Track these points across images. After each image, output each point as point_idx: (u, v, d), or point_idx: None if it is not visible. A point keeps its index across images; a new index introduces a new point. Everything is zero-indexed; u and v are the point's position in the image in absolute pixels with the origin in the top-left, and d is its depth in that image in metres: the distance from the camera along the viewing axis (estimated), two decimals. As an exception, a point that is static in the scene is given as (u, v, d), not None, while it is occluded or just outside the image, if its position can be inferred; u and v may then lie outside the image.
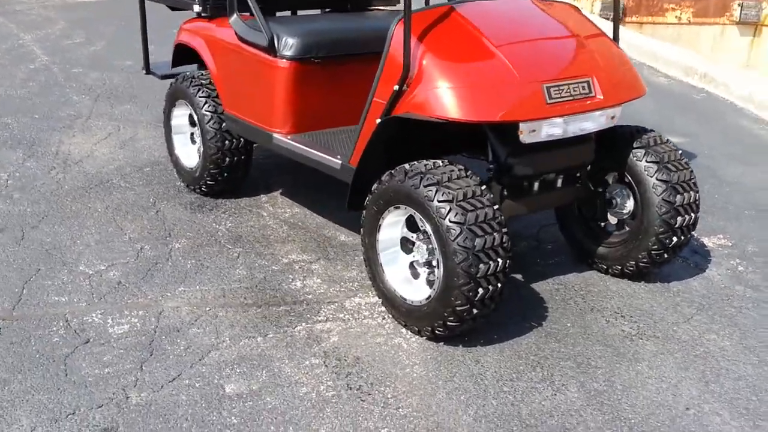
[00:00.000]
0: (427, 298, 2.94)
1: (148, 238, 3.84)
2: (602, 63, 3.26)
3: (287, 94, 3.66)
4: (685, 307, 3.35)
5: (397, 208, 3.01)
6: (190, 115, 4.33)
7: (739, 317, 3.29)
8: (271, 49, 3.65)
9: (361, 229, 3.21)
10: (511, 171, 3.12)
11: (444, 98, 2.92)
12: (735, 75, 7.14)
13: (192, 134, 4.39)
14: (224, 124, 4.06)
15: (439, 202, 2.81)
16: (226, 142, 4.08)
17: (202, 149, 4.17)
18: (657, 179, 3.31)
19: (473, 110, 2.91)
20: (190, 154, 4.39)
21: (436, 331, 2.95)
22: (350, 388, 2.75)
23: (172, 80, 4.40)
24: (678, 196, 3.30)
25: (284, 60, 3.62)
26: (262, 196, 4.39)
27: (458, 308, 2.82)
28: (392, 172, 3.03)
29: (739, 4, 9.77)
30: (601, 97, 3.15)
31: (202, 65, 4.27)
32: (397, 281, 3.12)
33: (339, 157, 3.44)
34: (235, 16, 3.88)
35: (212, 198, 4.30)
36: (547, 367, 2.89)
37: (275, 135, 3.73)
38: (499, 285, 2.84)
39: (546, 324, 3.18)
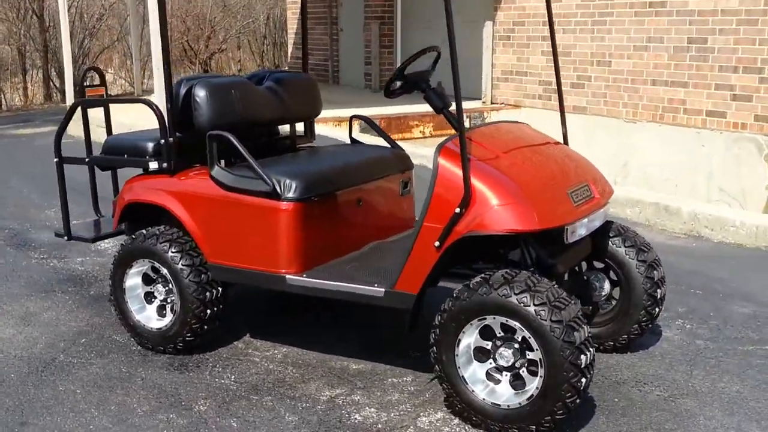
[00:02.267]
0: (529, 398, 3.17)
1: (163, 407, 3.62)
2: (586, 168, 3.79)
3: (295, 234, 3.75)
4: (679, 365, 3.89)
5: (482, 319, 3.23)
6: (145, 275, 4.16)
7: (724, 364, 3.89)
8: (273, 194, 3.72)
9: (433, 348, 3.35)
10: (553, 269, 3.49)
11: (507, 213, 3.25)
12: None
13: (147, 294, 4.20)
14: (203, 276, 3.97)
15: (536, 306, 3.10)
16: (207, 293, 4.00)
17: (178, 305, 4.02)
18: (638, 260, 3.87)
19: (535, 220, 3.26)
20: (150, 316, 4.20)
21: (542, 427, 3.17)
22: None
23: (124, 242, 4.20)
24: (655, 272, 3.89)
25: (288, 202, 3.71)
26: (235, 342, 4.29)
27: (568, 400, 3.10)
28: (470, 285, 3.25)
29: (468, 116, 11.08)
30: (599, 197, 3.67)
31: (156, 221, 4.17)
32: (480, 390, 3.30)
33: (376, 285, 3.57)
34: (216, 168, 3.89)
35: (187, 354, 4.13)
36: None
37: (288, 276, 3.76)
38: (593, 372, 3.16)
39: (596, 401, 3.52)
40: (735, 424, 3.35)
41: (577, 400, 3.14)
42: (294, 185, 3.74)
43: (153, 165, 4.12)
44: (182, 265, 3.98)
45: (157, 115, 4.04)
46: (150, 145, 4.18)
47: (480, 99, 11.32)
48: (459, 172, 3.34)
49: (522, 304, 3.12)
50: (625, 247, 3.90)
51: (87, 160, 4.45)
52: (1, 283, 5.29)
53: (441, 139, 3.56)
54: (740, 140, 8.77)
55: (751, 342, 4.16)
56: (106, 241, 5.91)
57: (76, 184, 6.10)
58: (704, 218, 5.94)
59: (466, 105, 10.96)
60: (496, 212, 3.27)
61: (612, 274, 3.99)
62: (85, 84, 4.74)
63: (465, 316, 3.27)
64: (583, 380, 3.11)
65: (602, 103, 10.09)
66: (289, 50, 15.32)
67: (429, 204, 3.40)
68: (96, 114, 5.42)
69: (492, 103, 11.30)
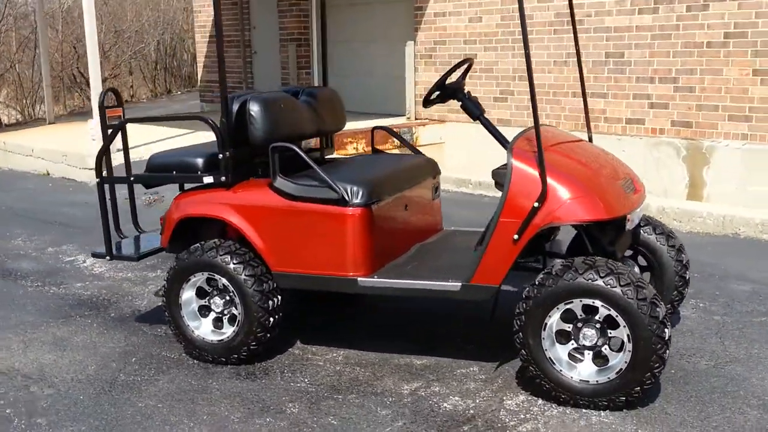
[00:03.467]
0: (618, 372, 3.50)
1: (254, 412, 3.74)
2: (622, 163, 4.19)
3: (362, 237, 3.96)
4: (710, 338, 4.34)
5: (568, 303, 3.54)
6: (199, 288, 4.25)
7: (748, 334, 4.37)
8: (341, 201, 3.92)
9: (519, 334, 3.64)
10: (613, 255, 3.85)
11: (580, 205, 3.59)
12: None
13: (201, 307, 4.28)
14: (265, 285, 4.10)
15: (622, 287, 3.44)
16: (270, 302, 4.13)
17: (242, 315, 4.13)
18: (668, 246, 4.30)
19: (603, 210, 3.62)
20: (207, 329, 4.27)
21: (632, 397, 3.51)
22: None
23: (178, 257, 4.26)
24: (683, 255, 4.33)
25: (355, 208, 3.92)
26: (290, 349, 4.42)
27: (656, 370, 3.45)
28: (552, 272, 3.55)
29: (397, 130, 11.50)
30: (640, 189, 4.07)
31: (198, 237, 4.30)
32: (566, 369, 3.61)
33: (450, 280, 3.83)
34: (280, 179, 4.05)
35: (248, 364, 4.23)
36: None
37: (359, 278, 3.96)
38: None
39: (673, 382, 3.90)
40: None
41: (663, 369, 3.49)
42: (360, 192, 3.95)
43: (208, 179, 4.22)
44: (246, 275, 4.09)
45: (214, 130, 4.16)
46: (200, 161, 4.28)
47: (405, 115, 11.71)
48: (531, 170, 3.66)
49: (609, 286, 3.46)
50: (656, 234, 4.32)
51: (131, 178, 4.49)
52: (8, 312, 5.17)
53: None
54: (659, 144, 9.51)
55: (761, 314, 4.67)
56: (99, 265, 5.90)
57: (68, 218, 6.06)
58: (672, 212, 6.50)
59: (391, 121, 11.36)
60: (570, 205, 3.60)
61: (640, 260, 4.39)
62: (105, 105, 4.76)
63: (552, 301, 3.57)
64: (667, 351, 3.47)
65: (526, 116, 10.66)
66: (200, 74, 15.24)
67: (505, 200, 3.69)
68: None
69: (416, 118, 11.70)
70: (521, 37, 10.57)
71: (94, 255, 4.73)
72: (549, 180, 3.63)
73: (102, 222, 4.57)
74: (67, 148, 10.29)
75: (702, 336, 4.38)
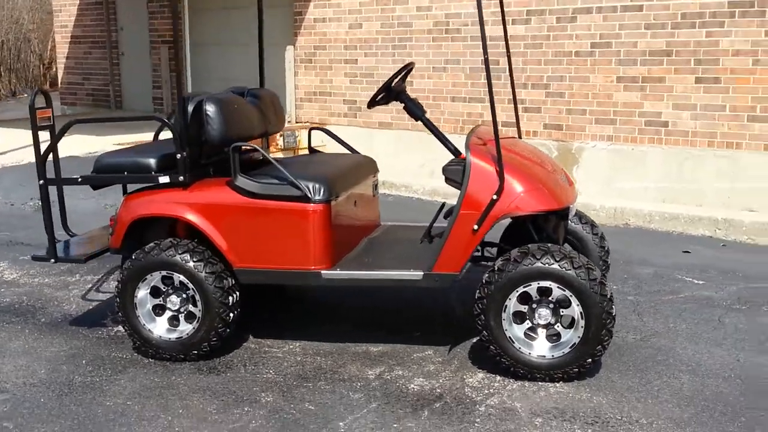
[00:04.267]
0: (572, 347, 3.86)
1: (230, 403, 3.82)
2: (551, 159, 4.58)
3: (324, 232, 4.14)
4: (629, 315, 4.80)
5: (527, 286, 3.87)
6: (154, 287, 4.28)
7: (661, 311, 4.85)
8: (304, 198, 4.08)
9: (480, 317, 3.93)
10: (556, 242, 4.22)
11: (534, 197, 3.93)
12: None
13: (155, 306, 4.31)
14: (224, 282, 4.19)
15: (575, 269, 3.80)
16: (230, 297, 4.22)
17: (201, 312, 4.19)
18: (592, 234, 4.73)
19: (554, 201, 3.98)
20: (163, 327, 4.30)
21: (584, 368, 3.88)
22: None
23: (132, 256, 4.26)
24: (605, 242, 4.77)
25: (317, 204, 4.10)
26: (244, 344, 4.51)
27: (605, 342, 3.84)
28: (510, 259, 3.87)
29: (281, 135, 11.63)
30: (572, 183, 4.47)
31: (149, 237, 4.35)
32: (524, 347, 3.94)
33: (412, 269, 4.08)
34: (240, 177, 4.16)
35: (206, 360, 4.30)
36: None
37: (323, 271, 4.13)
38: None
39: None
40: (704, 349, 4.28)
41: (610, 342, 3.88)
42: (322, 188, 4.12)
43: (164, 179, 4.25)
44: (206, 272, 4.16)
45: (171, 130, 4.20)
46: (152, 161, 4.30)
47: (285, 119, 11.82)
48: (488, 166, 3.96)
49: (564, 269, 3.81)
50: (582, 224, 4.73)
51: (80, 179, 4.43)
52: (-73, 322, 4.96)
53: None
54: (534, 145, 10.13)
55: (667, 293, 5.20)
56: (8, 272, 5.75)
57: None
58: (568, 206, 7.03)
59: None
60: (526, 197, 3.93)
61: (567, 247, 4.78)
62: (35, 107, 4.66)
63: (512, 285, 3.88)
64: (614, 325, 3.86)
65: (407, 119, 11.04)
66: (60, 75, 14.69)
67: (465, 194, 3.97)
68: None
69: (297, 122, 11.85)
70: (401, 44, 10.99)
71: (36, 258, 4.61)
72: (505, 175, 3.94)
73: (45, 225, 4.48)
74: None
75: (622, 314, 4.82)
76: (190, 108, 4.27)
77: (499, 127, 3.98)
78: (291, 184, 4.10)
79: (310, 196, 4.09)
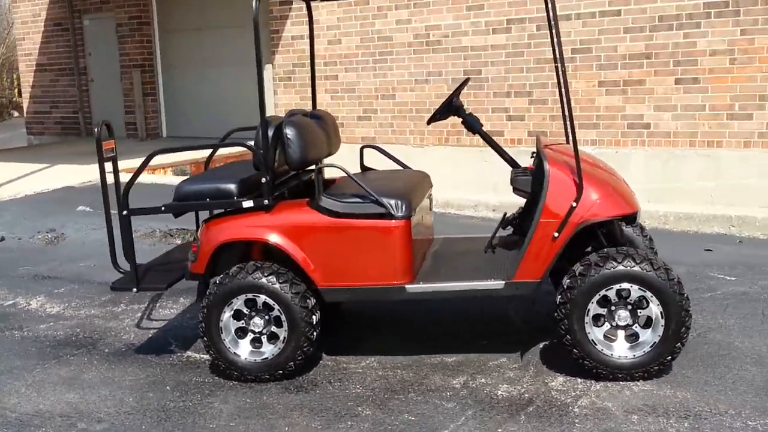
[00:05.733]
0: (652, 346, 4.09)
1: (331, 418, 3.94)
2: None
3: (407, 247, 4.29)
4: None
5: (609, 289, 4.08)
6: (237, 310, 4.37)
7: (707, 308, 5.13)
8: (387, 215, 4.23)
9: (564, 321, 4.12)
10: (624, 245, 4.43)
11: (610, 203, 4.16)
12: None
13: (237, 329, 4.39)
14: (308, 301, 4.31)
15: (655, 270, 4.03)
16: (314, 317, 4.34)
17: (286, 332, 4.30)
18: (642, 236, 4.97)
19: (627, 206, 4.22)
20: (247, 349, 4.39)
21: (663, 366, 4.11)
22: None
23: (218, 281, 4.34)
24: (653, 245, 5.01)
25: (399, 220, 4.25)
26: (321, 362, 4.62)
27: (684, 339, 4.07)
28: (591, 263, 4.07)
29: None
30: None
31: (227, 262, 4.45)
32: (603, 347, 4.14)
33: (492, 278, 4.26)
34: (325, 198, 4.28)
35: (288, 379, 4.40)
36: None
37: (407, 286, 4.28)
38: None
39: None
40: (760, 342, 4.57)
41: (688, 338, 4.12)
42: (403, 205, 4.27)
43: (248, 203, 4.34)
44: (292, 293, 4.28)
45: (258, 155, 4.30)
46: (233, 186, 4.40)
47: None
48: (565, 175, 4.18)
49: (645, 271, 4.03)
50: (632, 227, 4.97)
51: (163, 208, 4.48)
52: (-15, 359, 4.94)
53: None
54: (519, 154, 10.33)
55: (705, 290, 5.50)
56: (49, 306, 5.75)
57: None
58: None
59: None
60: (603, 203, 4.15)
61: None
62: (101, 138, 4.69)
63: (595, 288, 4.09)
64: (691, 322, 4.10)
65: (390, 132, 11.24)
66: (25, 105, 14.45)
67: (544, 202, 4.17)
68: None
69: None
70: (382, 57, 11.17)
71: (115, 288, 4.63)
72: (583, 182, 4.16)
73: (127, 255, 4.52)
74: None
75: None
76: (270, 133, 4.37)
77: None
78: (375, 202, 4.24)
79: (393, 212, 4.24)
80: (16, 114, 18.99)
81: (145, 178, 9.47)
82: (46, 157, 11.36)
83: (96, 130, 4.61)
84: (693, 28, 9.09)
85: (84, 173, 10.01)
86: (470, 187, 10.20)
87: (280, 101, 12.00)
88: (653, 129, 9.50)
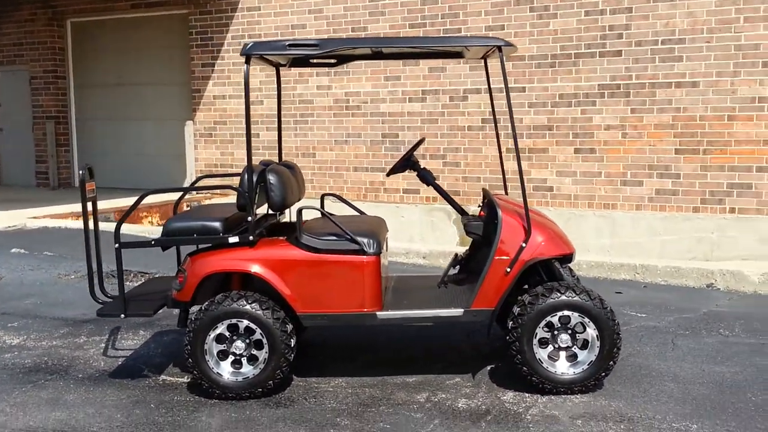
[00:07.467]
0: (590, 363, 4.76)
1: (312, 429, 4.38)
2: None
3: (377, 279, 4.84)
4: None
5: (553, 316, 4.75)
6: (219, 334, 4.79)
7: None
8: (360, 252, 4.80)
9: (515, 344, 4.75)
10: (562, 280, 5.14)
11: (554, 244, 4.86)
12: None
13: (219, 351, 4.80)
14: (287, 326, 4.78)
15: (592, 300, 4.73)
16: (291, 340, 4.82)
17: (266, 354, 4.75)
18: (571, 275, 5.69)
19: (567, 247, 4.93)
20: (227, 370, 4.80)
21: (599, 381, 4.79)
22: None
23: (204, 307, 4.75)
24: (580, 282, 5.74)
25: (370, 256, 4.82)
26: (293, 383, 5.05)
27: (615, 357, 4.77)
28: (538, 294, 4.74)
29: (187, 204, 12.01)
30: (561, 234, 5.44)
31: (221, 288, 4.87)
32: (551, 366, 4.79)
33: (452, 307, 4.87)
34: (305, 235, 4.81)
35: (266, 396, 4.82)
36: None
37: (378, 313, 4.83)
38: None
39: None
40: (673, 364, 5.30)
41: (618, 357, 4.81)
42: (374, 243, 4.84)
43: (233, 239, 4.81)
44: (273, 318, 4.74)
45: (245, 198, 4.78)
46: (218, 224, 4.85)
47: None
48: (514, 220, 4.85)
49: (584, 300, 4.72)
50: (562, 267, 5.68)
51: (153, 242, 4.86)
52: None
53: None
54: (433, 210, 11.16)
55: (621, 325, 6.21)
56: (9, 336, 5.96)
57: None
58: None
59: (172, 195, 11.82)
60: (547, 244, 4.84)
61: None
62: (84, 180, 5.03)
63: (542, 315, 4.74)
64: (621, 344, 4.80)
65: (310, 188, 11.79)
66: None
67: (498, 243, 4.82)
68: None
69: (197, 193, 12.28)
70: (303, 119, 11.77)
71: (102, 314, 4.94)
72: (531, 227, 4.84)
73: (118, 284, 4.86)
74: None
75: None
76: (255, 178, 4.87)
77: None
78: (350, 240, 4.78)
79: (366, 249, 4.79)
80: None
81: (60, 222, 9.67)
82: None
83: (80, 172, 5.00)
84: (589, 105, 10.16)
85: (7, 219, 10.07)
86: (396, 236, 10.82)
87: (200, 155, 12.39)
88: (556, 191, 10.44)
